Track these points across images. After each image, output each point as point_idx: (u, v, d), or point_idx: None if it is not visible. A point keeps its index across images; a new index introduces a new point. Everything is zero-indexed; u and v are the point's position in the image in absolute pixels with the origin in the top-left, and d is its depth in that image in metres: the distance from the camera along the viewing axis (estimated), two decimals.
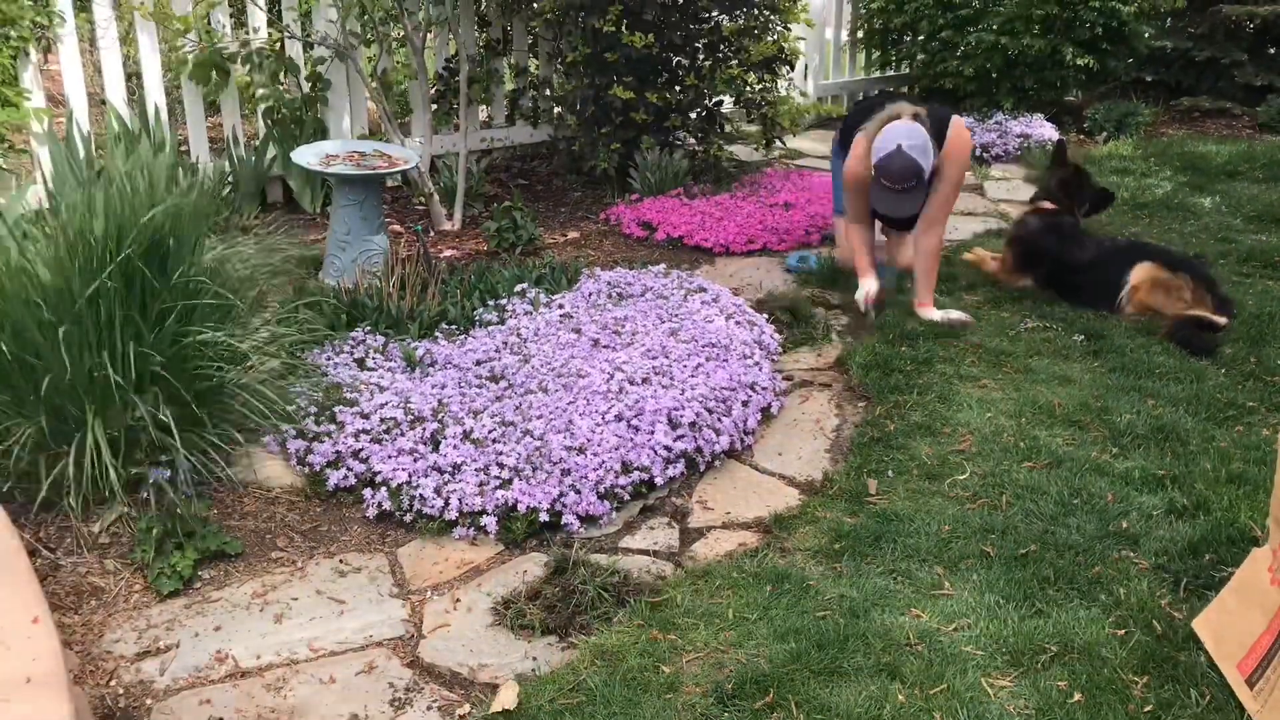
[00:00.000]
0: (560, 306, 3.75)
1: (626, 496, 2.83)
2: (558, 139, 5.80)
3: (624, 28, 5.01)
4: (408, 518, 2.73)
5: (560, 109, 5.69)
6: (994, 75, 6.66)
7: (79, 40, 4.51)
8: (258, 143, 5.04)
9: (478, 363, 3.35)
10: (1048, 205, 4.23)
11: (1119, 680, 2.14)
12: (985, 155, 6.17)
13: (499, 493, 2.72)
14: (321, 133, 5.05)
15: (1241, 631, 2.11)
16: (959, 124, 3.84)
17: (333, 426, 2.98)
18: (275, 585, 2.50)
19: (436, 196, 4.93)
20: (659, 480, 2.89)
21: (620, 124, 5.23)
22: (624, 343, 3.47)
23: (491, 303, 3.80)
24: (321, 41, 4.89)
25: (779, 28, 5.56)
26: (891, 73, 7.66)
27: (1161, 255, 3.98)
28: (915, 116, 3.67)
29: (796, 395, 3.46)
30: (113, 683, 2.19)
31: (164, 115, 4.65)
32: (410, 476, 2.78)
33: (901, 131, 3.62)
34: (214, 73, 4.73)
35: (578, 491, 2.75)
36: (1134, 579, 2.45)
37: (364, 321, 3.60)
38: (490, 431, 2.93)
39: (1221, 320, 3.73)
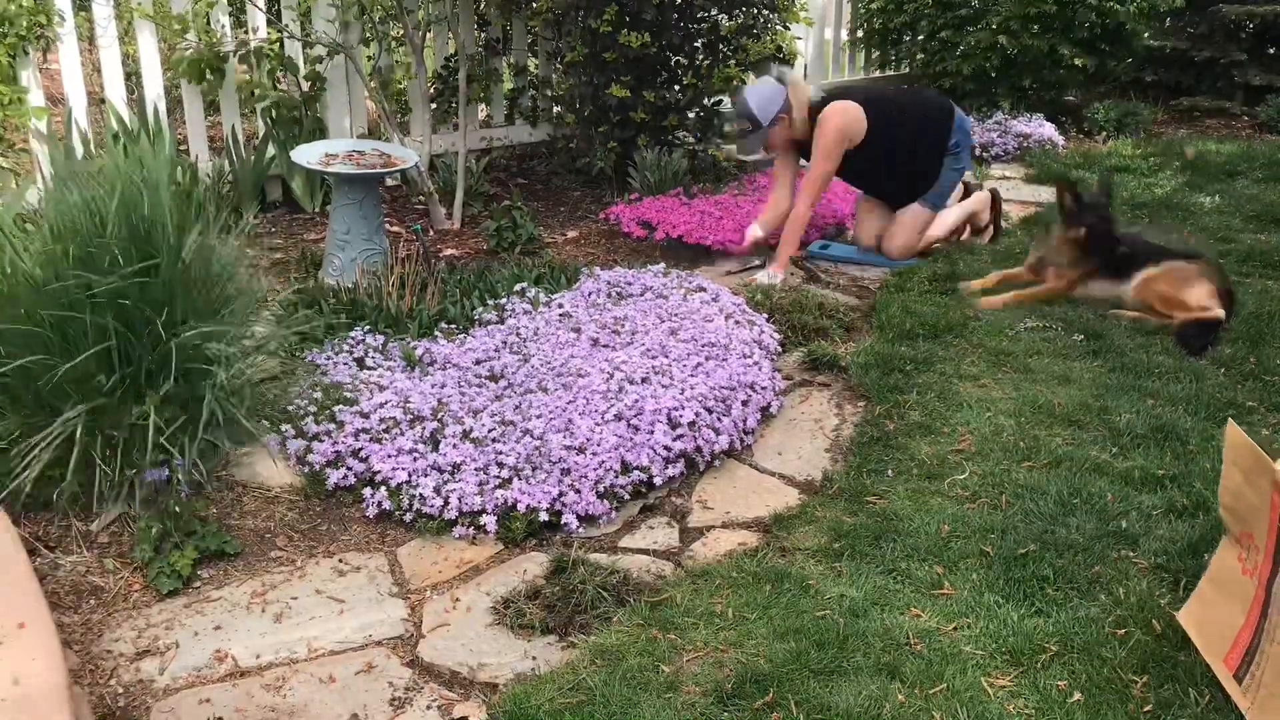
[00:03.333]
0: (560, 306, 3.74)
1: (626, 496, 2.83)
2: (557, 138, 5.80)
3: (624, 28, 5.01)
4: (407, 517, 2.73)
5: (559, 108, 5.69)
6: (993, 75, 6.66)
7: (78, 39, 4.51)
8: (257, 142, 5.04)
9: (477, 362, 3.35)
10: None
11: (1119, 680, 2.14)
12: (985, 154, 6.16)
13: (498, 492, 2.72)
14: (320, 132, 5.05)
15: (1223, 624, 2.10)
16: (832, 107, 4.29)
17: (332, 426, 2.97)
18: (275, 584, 2.50)
19: (436, 196, 4.93)
20: (658, 480, 2.89)
21: (617, 123, 5.23)
22: (623, 342, 3.47)
23: (491, 302, 3.80)
24: (320, 41, 4.89)
25: (778, 26, 5.56)
26: (891, 72, 7.66)
27: (1166, 253, 3.95)
28: (779, 78, 4.36)
29: (796, 394, 3.46)
30: (112, 682, 2.19)
31: (163, 114, 4.65)
32: (410, 476, 2.78)
33: (749, 86, 4.48)
34: (212, 72, 4.73)
35: (577, 491, 2.75)
36: (1133, 579, 2.45)
37: (363, 321, 3.60)
38: (490, 431, 2.93)
39: (1220, 313, 3.72)
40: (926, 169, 4.47)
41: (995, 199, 4.79)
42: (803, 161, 4.54)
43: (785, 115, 4.30)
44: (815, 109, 4.33)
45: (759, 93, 4.30)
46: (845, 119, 4.29)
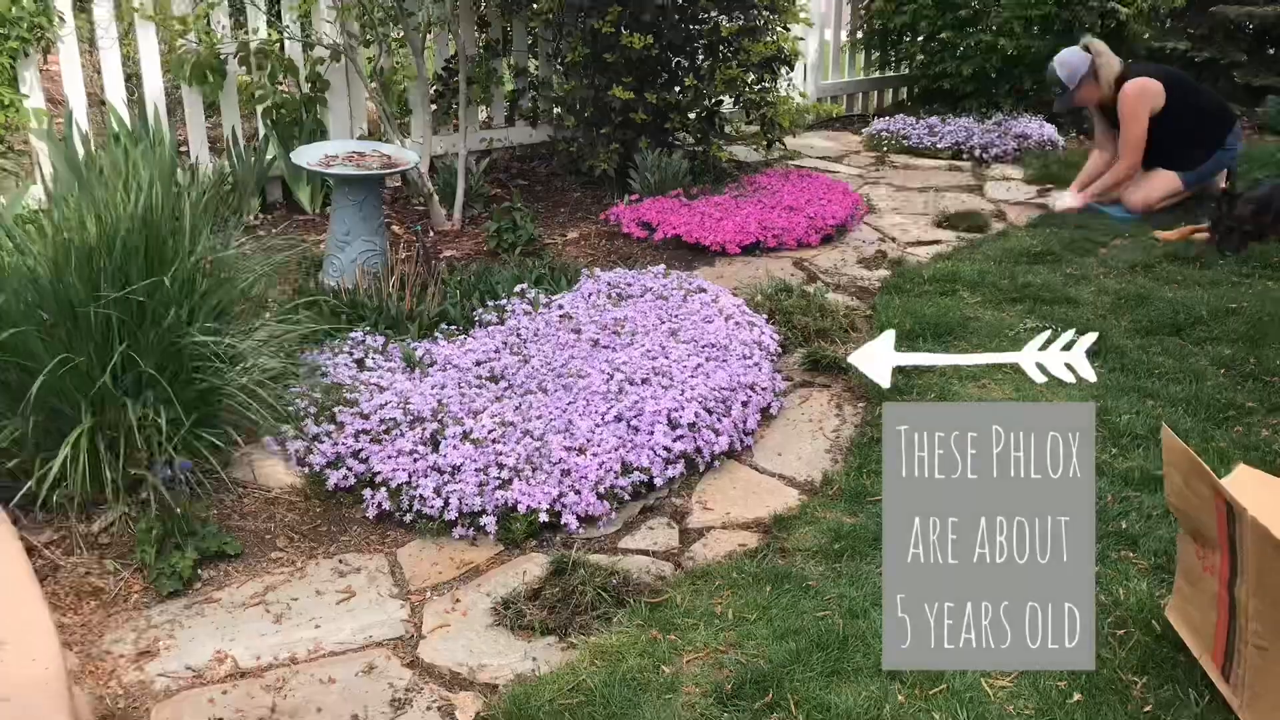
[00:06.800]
0: (560, 307, 3.75)
1: (626, 497, 2.83)
2: (557, 139, 5.80)
3: (623, 28, 5.01)
4: (407, 518, 2.74)
5: (560, 109, 5.69)
6: (993, 75, 6.67)
7: (78, 41, 4.51)
8: (257, 143, 5.04)
9: (477, 363, 3.35)
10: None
11: (1118, 680, 2.14)
12: (985, 155, 6.17)
13: (499, 493, 2.72)
14: (321, 133, 5.05)
15: (1203, 620, 2.10)
16: (1131, 82, 4.90)
17: (332, 427, 2.98)
18: (275, 585, 2.51)
19: (436, 197, 4.93)
20: (658, 481, 2.89)
21: (619, 124, 5.23)
22: (623, 343, 3.47)
23: (491, 303, 3.80)
24: (321, 42, 4.89)
25: (779, 27, 5.56)
26: (891, 73, 7.66)
27: None
28: (1085, 47, 5.00)
29: (796, 395, 3.46)
30: (112, 683, 2.19)
31: (163, 115, 4.65)
32: (410, 477, 2.78)
33: (1058, 56, 5.04)
34: (212, 74, 4.74)
35: (577, 492, 2.75)
36: (1133, 579, 2.45)
37: (364, 322, 3.60)
38: (490, 432, 2.93)
39: None
40: (1199, 155, 5.04)
41: (1229, 172, 5.27)
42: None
43: (1091, 77, 4.94)
44: (1120, 78, 4.95)
45: (1066, 63, 4.97)
46: (1143, 90, 4.90)
